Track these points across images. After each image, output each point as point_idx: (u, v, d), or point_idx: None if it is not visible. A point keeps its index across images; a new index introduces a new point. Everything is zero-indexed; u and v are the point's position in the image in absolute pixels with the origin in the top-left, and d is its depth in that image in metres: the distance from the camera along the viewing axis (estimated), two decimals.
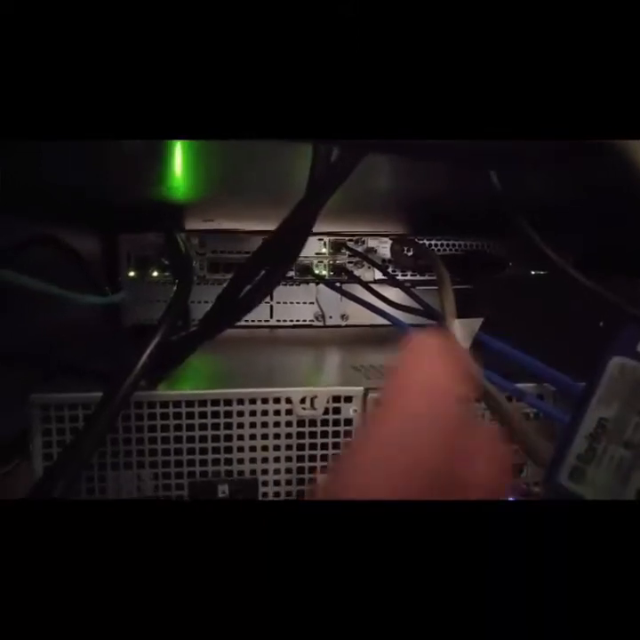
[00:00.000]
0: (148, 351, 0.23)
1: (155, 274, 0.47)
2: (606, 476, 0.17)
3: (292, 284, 0.53)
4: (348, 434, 0.29)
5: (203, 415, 0.27)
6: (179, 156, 0.27)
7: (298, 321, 0.54)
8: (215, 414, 0.27)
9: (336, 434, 0.28)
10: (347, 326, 0.55)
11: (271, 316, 0.53)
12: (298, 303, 0.54)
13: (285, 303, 0.53)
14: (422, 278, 0.54)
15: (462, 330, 0.31)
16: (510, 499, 0.31)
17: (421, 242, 0.53)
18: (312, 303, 0.54)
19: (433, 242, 0.54)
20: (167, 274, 0.46)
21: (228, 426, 0.27)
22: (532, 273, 0.52)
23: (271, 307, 0.53)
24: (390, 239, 0.54)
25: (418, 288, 0.48)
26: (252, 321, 0.52)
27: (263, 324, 0.53)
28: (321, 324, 0.54)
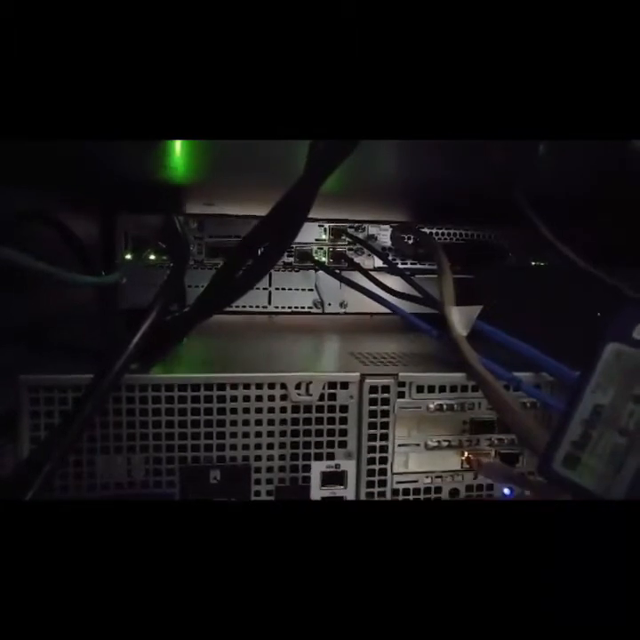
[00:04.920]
0: (139, 332, 0.23)
1: (152, 257, 0.46)
2: (600, 462, 0.17)
3: (291, 270, 0.53)
4: (343, 421, 0.28)
5: (195, 399, 0.26)
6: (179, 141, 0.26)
7: (296, 308, 0.53)
8: (208, 399, 0.26)
9: (331, 420, 0.28)
10: (346, 314, 0.55)
11: (269, 303, 0.53)
12: (297, 290, 0.53)
13: (284, 289, 0.53)
14: (422, 267, 0.54)
15: (460, 317, 0.30)
16: (506, 492, 0.30)
17: (421, 229, 0.52)
18: (311, 290, 0.54)
19: (433, 230, 0.53)
20: (164, 257, 0.46)
21: (222, 411, 0.27)
22: (533, 263, 0.52)
23: (269, 293, 0.53)
24: (391, 226, 0.53)
25: (417, 277, 0.47)
26: (250, 307, 0.52)
27: (261, 310, 0.52)
28: (320, 311, 0.54)
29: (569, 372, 0.26)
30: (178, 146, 0.28)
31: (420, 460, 0.30)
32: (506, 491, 0.31)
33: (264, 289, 0.52)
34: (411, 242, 0.52)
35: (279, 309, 0.53)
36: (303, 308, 0.53)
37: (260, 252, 0.23)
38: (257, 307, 0.52)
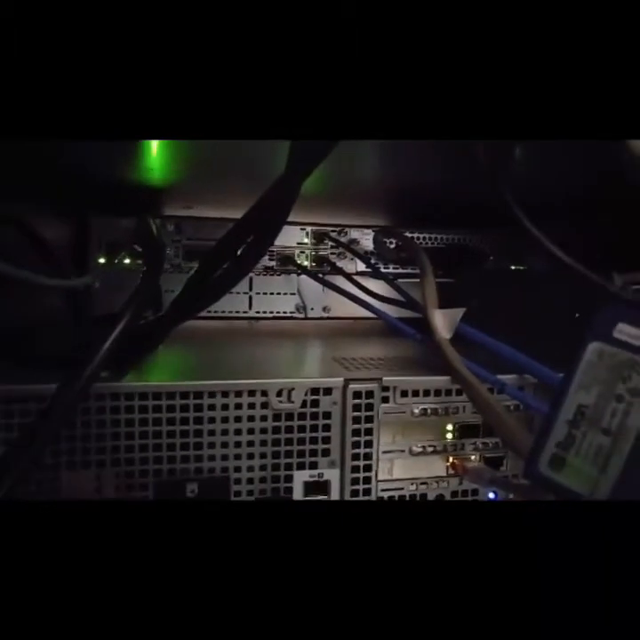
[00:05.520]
0: (111, 337, 0.22)
1: (126, 261, 0.45)
2: (585, 463, 0.17)
3: (272, 274, 0.52)
4: (326, 428, 0.27)
5: (171, 409, 0.25)
6: (158, 141, 0.26)
7: (278, 312, 0.52)
8: (185, 408, 0.25)
9: (314, 428, 0.27)
10: (329, 318, 0.54)
11: (250, 308, 0.52)
12: (278, 294, 0.52)
13: (265, 294, 0.52)
14: (404, 271, 0.54)
15: (444, 320, 0.30)
16: (491, 496, 0.30)
17: (404, 233, 0.52)
18: (293, 294, 0.53)
19: (415, 234, 0.53)
20: (140, 261, 0.44)
21: (199, 420, 0.25)
22: (512, 268, 0.52)
23: (250, 297, 0.52)
24: (373, 230, 0.53)
25: (400, 281, 0.47)
26: (230, 312, 0.51)
27: (242, 315, 0.51)
28: (302, 316, 0.53)
29: (551, 373, 0.25)
30: (155, 147, 0.27)
31: (405, 467, 0.29)
32: (491, 495, 0.30)
33: (245, 293, 0.51)
34: (393, 246, 0.52)
35: (260, 314, 0.52)
36: (285, 312, 0.53)
37: (238, 254, 0.23)
38: (237, 312, 0.51)
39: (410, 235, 0.53)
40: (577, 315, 0.32)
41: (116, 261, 0.44)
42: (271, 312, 0.52)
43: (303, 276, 0.52)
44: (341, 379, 0.28)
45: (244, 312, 0.52)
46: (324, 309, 0.54)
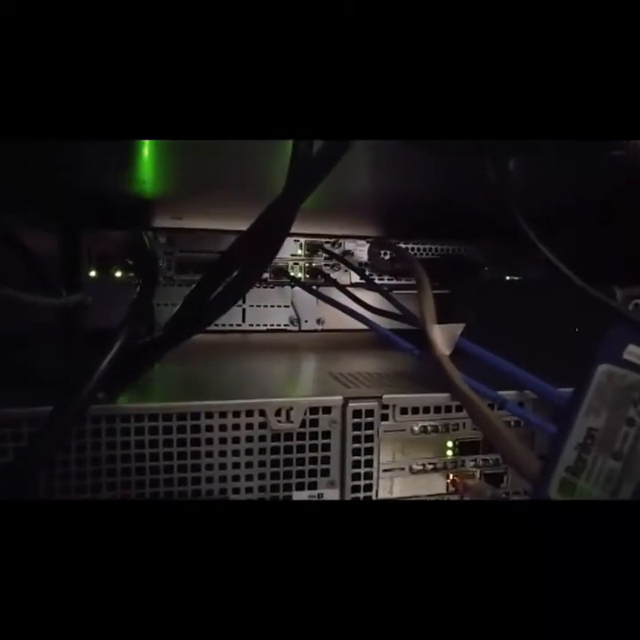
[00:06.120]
0: (106, 358, 0.21)
1: (118, 274, 0.44)
2: (596, 488, 0.16)
3: (266, 287, 0.51)
4: (325, 448, 0.27)
5: (168, 430, 0.24)
6: (148, 149, 0.25)
7: (272, 325, 0.52)
8: (181, 429, 0.25)
9: (313, 448, 0.27)
10: (323, 331, 0.54)
11: (243, 321, 0.51)
12: (272, 306, 0.52)
13: (259, 306, 0.51)
14: (399, 282, 0.53)
15: (443, 336, 0.30)
16: None
17: (398, 245, 0.52)
18: (287, 306, 0.52)
19: (409, 245, 0.53)
20: (131, 274, 0.44)
21: (196, 442, 0.25)
22: (507, 278, 0.52)
23: (243, 310, 0.51)
24: (367, 242, 0.53)
25: (395, 292, 0.47)
26: (223, 325, 0.50)
27: (235, 328, 0.51)
28: (296, 328, 0.53)
29: (552, 389, 0.25)
30: (146, 156, 0.27)
31: (405, 485, 0.29)
32: None
33: (238, 306, 0.51)
34: (387, 257, 0.52)
35: (254, 327, 0.51)
36: (279, 325, 0.52)
37: (235, 272, 0.22)
38: (231, 325, 0.51)
39: (404, 246, 0.53)
40: (577, 329, 0.32)
41: (108, 275, 0.43)
42: (265, 325, 0.52)
43: (297, 289, 0.52)
44: (340, 397, 0.27)
45: (238, 325, 0.51)
46: (319, 322, 0.54)
